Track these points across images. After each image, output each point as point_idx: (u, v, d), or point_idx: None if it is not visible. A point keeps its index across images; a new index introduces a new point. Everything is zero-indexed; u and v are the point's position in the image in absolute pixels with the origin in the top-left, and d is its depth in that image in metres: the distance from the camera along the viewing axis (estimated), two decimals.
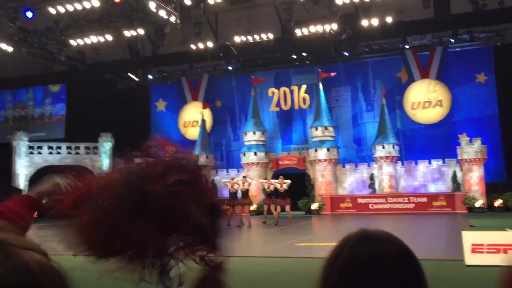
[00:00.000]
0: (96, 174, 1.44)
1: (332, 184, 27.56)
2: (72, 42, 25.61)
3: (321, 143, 27.57)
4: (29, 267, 0.75)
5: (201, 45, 26.64)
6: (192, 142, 31.44)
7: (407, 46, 29.07)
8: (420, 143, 28.43)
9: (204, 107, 31.57)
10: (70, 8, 22.14)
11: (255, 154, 28.50)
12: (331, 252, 1.07)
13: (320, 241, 13.26)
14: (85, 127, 30.75)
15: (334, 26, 24.49)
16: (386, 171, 26.79)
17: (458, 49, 28.64)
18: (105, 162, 30.51)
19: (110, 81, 34.46)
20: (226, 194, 20.32)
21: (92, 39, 25.08)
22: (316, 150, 27.57)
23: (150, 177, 1.37)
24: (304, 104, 31.03)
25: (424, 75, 28.84)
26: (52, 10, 22.31)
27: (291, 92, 31.28)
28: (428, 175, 26.77)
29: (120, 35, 25.20)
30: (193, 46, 26.81)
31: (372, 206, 26.12)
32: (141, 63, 31.31)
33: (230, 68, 31.99)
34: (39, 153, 29.83)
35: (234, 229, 18.21)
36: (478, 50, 28.12)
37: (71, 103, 33.74)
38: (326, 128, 27.74)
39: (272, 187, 20.02)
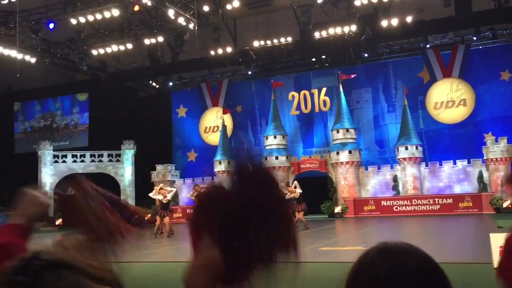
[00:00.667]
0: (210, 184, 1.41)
1: (355, 186, 27.29)
2: (94, 52, 25.99)
3: (343, 145, 27.35)
4: None
5: (220, 51, 26.74)
6: (214, 148, 31.58)
7: (428, 46, 28.69)
8: (444, 143, 27.96)
9: (224, 113, 31.66)
10: (90, 18, 22.46)
11: (277, 158, 28.43)
12: (351, 268, 1.03)
13: (344, 245, 13.11)
14: (107, 135, 31.15)
15: (353, 28, 24.32)
16: (409, 173, 26.41)
17: (480, 47, 28.15)
18: (127, 169, 30.82)
19: (131, 89, 34.86)
20: None
21: (113, 48, 25.41)
22: (337, 153, 27.36)
23: (266, 188, 1.37)
24: (325, 106, 30.85)
25: (447, 74, 28.40)
26: (73, 21, 22.67)
27: (311, 95, 31.13)
28: (453, 176, 26.30)
29: (140, 43, 25.49)
30: (212, 52, 26.93)
31: (396, 208, 25.77)
32: (161, 70, 31.63)
33: (249, 72, 32.04)
34: (64, 161, 30.32)
35: None
36: (501, 47, 27.58)
37: (93, 111, 34.23)
38: (347, 131, 27.52)
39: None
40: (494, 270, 8.02)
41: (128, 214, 1.52)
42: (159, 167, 31.26)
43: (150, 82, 34.68)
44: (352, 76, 28.20)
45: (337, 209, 26.57)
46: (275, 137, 28.89)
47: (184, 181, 31.40)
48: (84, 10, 22.24)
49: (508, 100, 27.05)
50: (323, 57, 29.46)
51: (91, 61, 28.18)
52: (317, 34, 25.10)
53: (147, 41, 25.09)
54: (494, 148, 24.82)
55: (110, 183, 30.42)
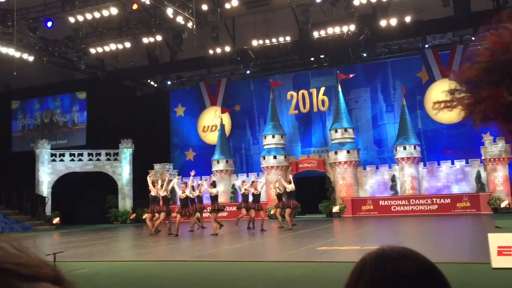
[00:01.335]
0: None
1: (353, 186, 27.29)
2: (92, 50, 25.95)
3: (341, 145, 27.35)
4: None
5: (218, 50, 26.72)
6: (212, 147, 31.55)
7: (427, 46, 28.69)
8: (443, 143, 27.97)
9: (222, 112, 31.64)
10: (89, 16, 22.43)
11: (275, 157, 28.41)
12: (349, 276, 1.00)
13: (342, 245, 13.10)
14: (105, 134, 31.10)
15: (352, 27, 24.32)
16: (408, 173, 26.42)
17: (479, 47, 28.08)
18: (125, 168, 30.78)
19: (130, 88, 34.81)
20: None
21: (111, 46, 25.37)
22: (336, 153, 27.35)
23: None
24: (323, 106, 30.84)
25: (445, 74, 28.39)
26: (71, 19, 22.63)
27: (310, 94, 31.11)
28: (451, 176, 26.32)
29: (138, 42, 25.45)
30: (210, 51, 26.91)
31: (394, 208, 25.78)
32: (159, 69, 31.59)
33: (248, 72, 32.01)
34: (61, 160, 30.24)
35: (257, 233, 18.15)
36: None
37: (92, 110, 34.17)
38: (345, 130, 27.52)
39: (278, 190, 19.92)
40: (492, 270, 7.99)
41: None
42: (157, 166, 31.22)
43: (149, 81, 34.65)
44: (351, 75, 28.17)
45: (335, 209, 26.57)
46: (273, 137, 28.87)
47: (182, 180, 31.33)
48: (82, 9, 22.22)
49: None
50: (322, 56, 29.46)
51: (89, 59, 28.12)
52: (315, 34, 25.10)
53: (145, 40, 25.05)
54: (492, 148, 24.83)
55: (108, 182, 30.44)
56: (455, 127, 27.92)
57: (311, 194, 28.80)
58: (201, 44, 25.92)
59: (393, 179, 27.06)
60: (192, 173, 20.02)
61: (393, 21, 23.37)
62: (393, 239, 14.55)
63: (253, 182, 20.80)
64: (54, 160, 30.12)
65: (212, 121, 33.20)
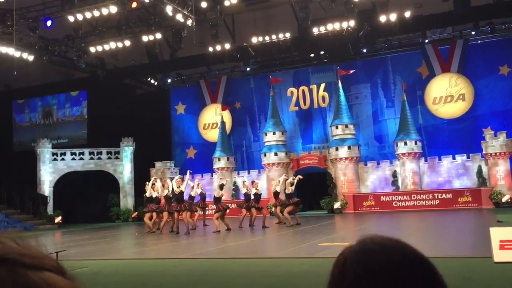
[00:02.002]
0: None
1: (354, 182, 27.30)
2: (92, 49, 25.92)
3: (342, 141, 27.35)
4: None
5: (218, 47, 26.70)
6: (213, 144, 31.56)
7: (427, 41, 28.64)
8: (443, 138, 27.97)
9: (223, 109, 31.63)
10: (88, 15, 22.38)
11: (276, 154, 28.42)
12: (330, 277, 0.92)
13: (344, 241, 13.11)
14: (106, 133, 31.10)
15: (352, 23, 24.28)
16: (409, 168, 26.42)
17: (479, 42, 28.10)
18: (126, 166, 30.81)
19: (130, 86, 34.79)
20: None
21: (111, 45, 25.33)
22: (337, 149, 27.36)
23: None
24: (324, 102, 30.82)
25: (445, 69, 28.37)
26: (71, 18, 22.59)
27: (310, 91, 31.09)
28: (453, 171, 26.31)
29: (138, 40, 25.43)
30: (210, 49, 26.88)
31: (396, 203, 25.80)
32: (159, 67, 31.57)
33: (248, 69, 31.98)
34: (63, 159, 30.27)
35: (259, 230, 18.18)
36: (500, 42, 27.55)
37: (92, 109, 34.18)
38: (346, 126, 27.51)
39: (278, 189, 19.97)
40: (494, 264, 8.01)
41: None
42: (158, 164, 31.25)
43: (149, 79, 34.62)
44: (351, 71, 28.14)
45: (337, 205, 26.59)
46: (274, 133, 28.88)
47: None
48: (81, 7, 22.16)
49: (507, 95, 27.04)
50: (322, 53, 29.41)
51: (89, 58, 28.10)
52: (315, 30, 25.05)
53: (145, 38, 25.02)
54: (493, 142, 24.82)
55: (109, 180, 30.46)
56: (455, 122, 27.95)
57: (313, 190, 28.80)
58: (201, 42, 25.89)
59: (394, 174, 27.07)
60: (188, 172, 20.13)
61: (393, 17, 23.33)
62: (395, 234, 14.50)
63: (253, 182, 20.90)
64: (55, 159, 30.14)
65: (213, 119, 33.21)
